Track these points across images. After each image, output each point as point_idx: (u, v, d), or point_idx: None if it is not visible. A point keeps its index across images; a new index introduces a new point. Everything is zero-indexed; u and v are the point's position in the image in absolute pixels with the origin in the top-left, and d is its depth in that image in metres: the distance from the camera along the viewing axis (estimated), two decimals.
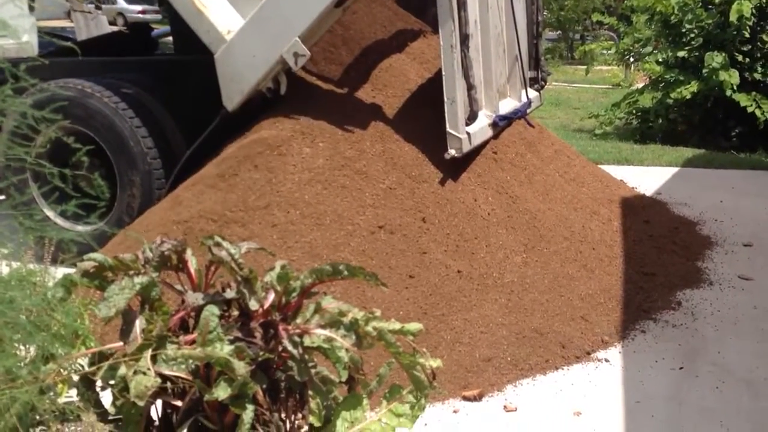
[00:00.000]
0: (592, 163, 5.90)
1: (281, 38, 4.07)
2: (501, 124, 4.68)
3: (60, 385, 2.20)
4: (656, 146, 8.56)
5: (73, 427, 2.47)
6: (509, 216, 4.23)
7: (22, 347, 2.15)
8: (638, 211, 5.24)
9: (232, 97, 4.28)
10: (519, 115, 5.04)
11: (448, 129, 4.09)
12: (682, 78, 8.86)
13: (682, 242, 4.87)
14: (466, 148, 4.16)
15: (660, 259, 4.53)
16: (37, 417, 2.11)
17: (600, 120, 9.74)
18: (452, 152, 4.10)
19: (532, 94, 5.42)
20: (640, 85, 10.52)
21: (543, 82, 5.72)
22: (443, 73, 4.09)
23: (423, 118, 4.34)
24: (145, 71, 4.96)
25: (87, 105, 4.43)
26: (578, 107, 12.09)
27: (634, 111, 9.74)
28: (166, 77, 4.85)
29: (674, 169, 7.20)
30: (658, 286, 4.20)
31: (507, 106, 4.96)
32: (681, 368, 3.41)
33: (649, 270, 4.34)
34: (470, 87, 4.16)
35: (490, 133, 4.56)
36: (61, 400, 2.25)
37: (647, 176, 6.71)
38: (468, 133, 4.18)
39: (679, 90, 8.70)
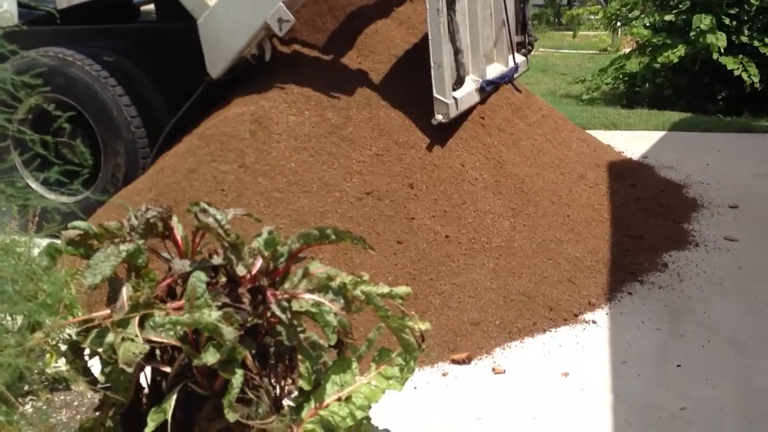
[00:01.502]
0: (579, 128, 5.89)
1: (265, 3, 4.01)
2: (488, 89, 4.65)
3: (48, 355, 2.20)
4: (643, 111, 8.55)
5: (62, 396, 2.47)
6: (497, 181, 4.23)
7: (8, 317, 2.14)
8: (625, 174, 5.25)
9: (216, 63, 4.22)
10: (506, 80, 5.01)
11: (435, 94, 4.06)
12: (669, 42, 8.82)
13: (668, 205, 4.89)
14: (453, 113, 4.14)
15: (647, 221, 4.56)
16: (26, 387, 2.11)
17: (587, 85, 9.71)
18: (439, 117, 4.08)
19: (519, 58, 5.38)
20: (627, 50, 10.47)
21: (530, 47, 5.68)
22: (429, 37, 4.04)
23: (410, 83, 4.30)
24: (126, 39, 4.88)
25: (68, 74, 4.36)
26: (565, 73, 12.03)
27: (620, 76, 9.70)
28: (147, 45, 4.78)
29: (661, 133, 7.21)
30: (645, 249, 4.23)
31: (494, 70, 4.92)
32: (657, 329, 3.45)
33: (635, 233, 4.37)
34: (457, 51, 4.12)
35: (477, 98, 4.54)
36: (50, 369, 2.25)
37: (634, 140, 6.71)
38: (455, 98, 4.15)
39: (666, 54, 8.67)
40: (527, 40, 5.59)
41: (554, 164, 4.77)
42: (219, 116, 4.09)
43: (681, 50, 8.60)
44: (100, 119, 4.39)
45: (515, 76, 5.22)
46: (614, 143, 6.22)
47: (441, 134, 4.20)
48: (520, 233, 3.99)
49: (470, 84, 4.45)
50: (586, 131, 6.08)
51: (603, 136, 6.38)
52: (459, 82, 4.19)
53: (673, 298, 3.75)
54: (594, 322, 3.53)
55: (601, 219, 4.42)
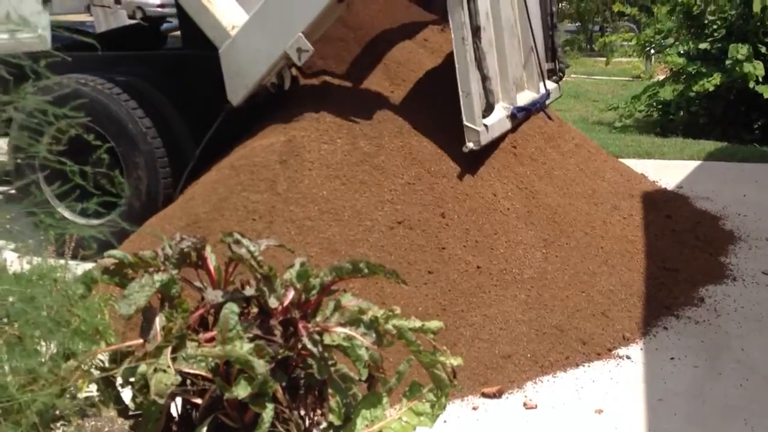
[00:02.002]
0: (612, 157, 5.84)
1: (285, 34, 4.10)
2: (519, 115, 4.63)
3: (80, 381, 2.21)
4: (677, 139, 8.44)
5: (93, 422, 2.48)
6: (529, 211, 4.19)
7: (43, 343, 2.16)
8: (660, 205, 5.17)
9: (237, 91, 4.32)
10: (537, 106, 4.98)
11: (465, 122, 4.06)
12: (704, 70, 8.73)
13: (704, 237, 4.80)
14: (485, 140, 4.12)
15: (682, 254, 4.47)
16: (57, 412, 2.12)
17: (620, 112, 9.63)
18: (470, 145, 4.07)
19: (551, 85, 5.36)
20: (661, 78, 10.38)
21: (561, 74, 5.65)
22: (456, 65, 4.05)
23: (442, 112, 4.30)
24: (146, 64, 5.10)
25: (83, 95, 4.47)
26: (597, 99, 11.96)
27: (654, 103, 9.62)
28: (166, 69, 4.99)
29: (696, 163, 7.10)
30: (681, 282, 4.15)
31: (525, 98, 4.91)
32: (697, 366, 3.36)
33: (671, 265, 4.29)
34: (485, 78, 4.12)
35: (508, 125, 4.52)
36: (82, 395, 2.26)
37: (668, 170, 6.62)
38: (485, 126, 4.14)
39: (702, 82, 8.58)
40: (558, 67, 5.57)
41: (587, 194, 4.72)
42: (249, 146, 4.13)
43: (717, 78, 8.50)
44: (117, 135, 4.50)
45: (547, 102, 5.20)
46: (648, 173, 6.15)
47: (473, 163, 4.18)
48: (553, 265, 3.94)
49: (501, 111, 4.44)
50: (620, 160, 6.02)
51: (636, 165, 6.30)
52: (488, 109, 4.18)
53: (710, 334, 3.67)
54: (628, 357, 3.46)
55: (635, 251, 4.35)
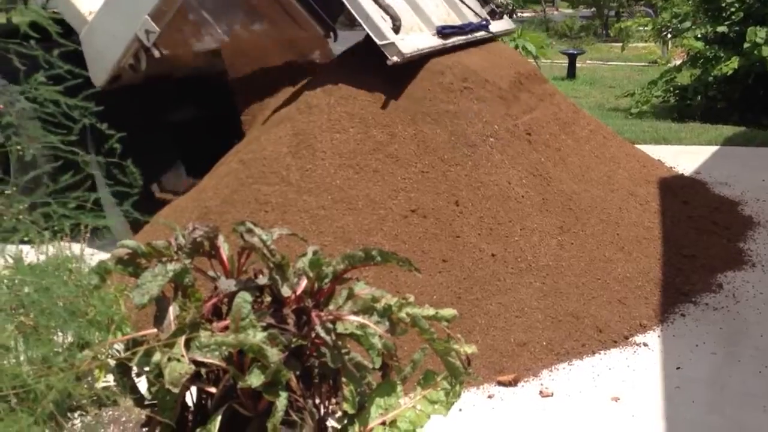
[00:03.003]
0: (628, 143, 5.78)
1: (134, 17, 4.29)
2: (447, 31, 4.58)
3: (97, 371, 2.22)
4: (695, 124, 8.35)
5: (110, 412, 2.50)
6: (544, 198, 4.16)
7: (60, 333, 2.18)
8: (677, 191, 5.12)
9: (98, 74, 4.45)
10: (472, 27, 4.93)
11: (378, 42, 4.03)
12: (722, 54, 8.61)
13: (722, 223, 4.74)
14: (408, 49, 4.05)
15: (700, 240, 4.43)
16: (74, 402, 2.13)
17: (636, 98, 9.53)
18: (394, 59, 4.01)
19: (498, 20, 5.44)
20: (678, 62, 10.27)
21: (499, 9, 5.68)
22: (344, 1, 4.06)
23: (455, 100, 4.27)
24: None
25: None
26: (613, 86, 11.85)
27: (671, 88, 9.51)
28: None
29: (714, 148, 7.02)
30: (698, 268, 4.11)
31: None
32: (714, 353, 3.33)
33: (688, 252, 4.24)
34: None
35: (437, 41, 4.47)
36: (99, 384, 2.27)
37: (685, 155, 6.55)
38: (402, 40, 4.09)
39: (719, 66, 8.46)
40: (494, 7, 5.61)
41: (603, 181, 4.67)
42: (256, 140, 4.12)
43: (735, 62, 8.39)
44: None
45: (494, 30, 5.22)
46: (665, 158, 6.09)
47: (487, 151, 4.15)
48: (568, 252, 3.91)
49: (424, 32, 4.45)
50: (636, 146, 5.96)
51: (653, 150, 6.24)
52: (395, 21, 4.11)
53: (729, 321, 3.63)
54: (645, 344, 3.43)
55: (652, 237, 4.31)
